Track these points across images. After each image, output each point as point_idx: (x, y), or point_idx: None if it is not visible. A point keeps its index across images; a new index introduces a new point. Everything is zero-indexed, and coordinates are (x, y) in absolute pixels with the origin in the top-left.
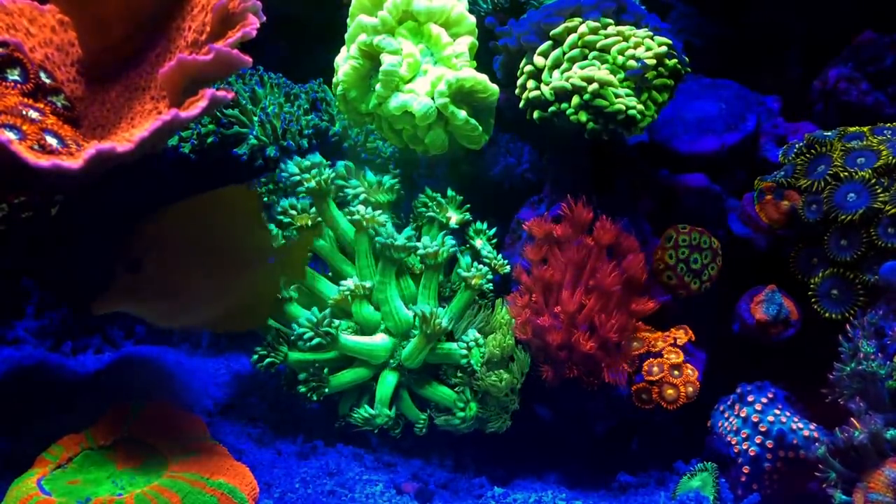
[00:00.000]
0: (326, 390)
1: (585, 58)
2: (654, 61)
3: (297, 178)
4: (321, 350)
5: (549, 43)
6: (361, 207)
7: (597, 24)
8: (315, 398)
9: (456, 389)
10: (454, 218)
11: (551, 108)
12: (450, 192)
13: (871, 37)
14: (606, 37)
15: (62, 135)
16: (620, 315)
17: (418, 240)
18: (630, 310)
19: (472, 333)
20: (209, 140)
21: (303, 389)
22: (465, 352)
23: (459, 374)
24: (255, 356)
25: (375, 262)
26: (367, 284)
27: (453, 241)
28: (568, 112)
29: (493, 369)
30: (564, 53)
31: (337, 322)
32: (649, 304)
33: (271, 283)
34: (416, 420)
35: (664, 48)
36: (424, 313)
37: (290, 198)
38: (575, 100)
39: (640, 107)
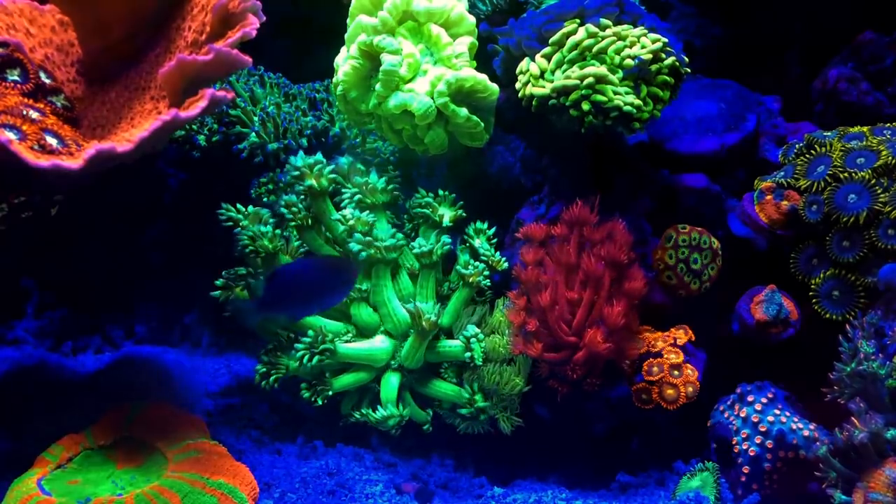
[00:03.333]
0: (330, 392)
1: (584, 59)
2: (650, 56)
3: (298, 172)
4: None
5: (549, 48)
6: (348, 212)
7: (595, 28)
8: (319, 402)
9: (460, 385)
10: (447, 216)
11: (550, 103)
12: (441, 192)
13: (871, 37)
14: (603, 38)
15: (62, 135)
16: (619, 302)
17: (414, 239)
18: (625, 292)
19: (472, 329)
20: (214, 139)
21: (306, 395)
22: (464, 344)
23: (460, 371)
24: (258, 376)
25: (370, 265)
26: (364, 287)
27: (448, 239)
28: (566, 104)
29: (497, 367)
30: (564, 57)
31: (332, 334)
32: (639, 283)
33: None
34: (418, 420)
35: (660, 45)
36: (414, 310)
37: (291, 195)
38: (573, 94)
39: (638, 102)
